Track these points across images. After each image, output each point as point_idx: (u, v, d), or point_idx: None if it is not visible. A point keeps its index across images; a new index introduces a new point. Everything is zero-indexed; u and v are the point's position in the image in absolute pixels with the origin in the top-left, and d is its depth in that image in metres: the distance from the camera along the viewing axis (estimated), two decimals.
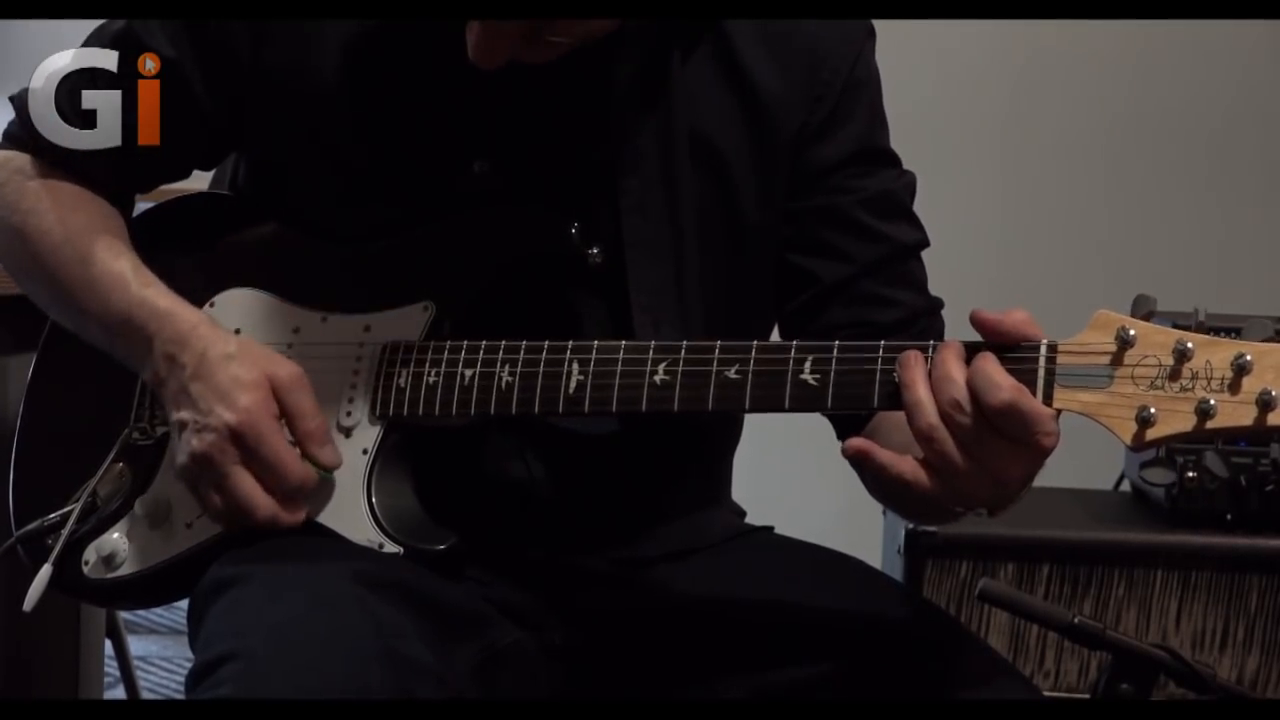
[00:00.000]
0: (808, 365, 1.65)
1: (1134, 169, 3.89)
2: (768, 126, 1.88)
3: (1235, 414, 1.52)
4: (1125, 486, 3.17)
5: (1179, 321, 2.63)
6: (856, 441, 1.62)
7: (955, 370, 1.58)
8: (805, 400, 1.65)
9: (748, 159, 1.88)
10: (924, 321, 1.90)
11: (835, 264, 1.89)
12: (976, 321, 1.60)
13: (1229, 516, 2.85)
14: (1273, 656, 2.82)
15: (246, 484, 1.75)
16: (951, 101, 3.89)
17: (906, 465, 1.60)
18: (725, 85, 1.88)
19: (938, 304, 1.94)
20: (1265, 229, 3.85)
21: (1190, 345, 1.54)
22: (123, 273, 1.86)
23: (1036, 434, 1.56)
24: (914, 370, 1.60)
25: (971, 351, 1.59)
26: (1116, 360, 1.56)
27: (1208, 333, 1.56)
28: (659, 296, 1.85)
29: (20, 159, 1.94)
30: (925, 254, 1.96)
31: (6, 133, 1.97)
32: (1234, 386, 1.53)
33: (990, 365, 1.57)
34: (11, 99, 1.95)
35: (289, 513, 1.77)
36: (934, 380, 1.58)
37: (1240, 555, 2.81)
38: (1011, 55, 3.86)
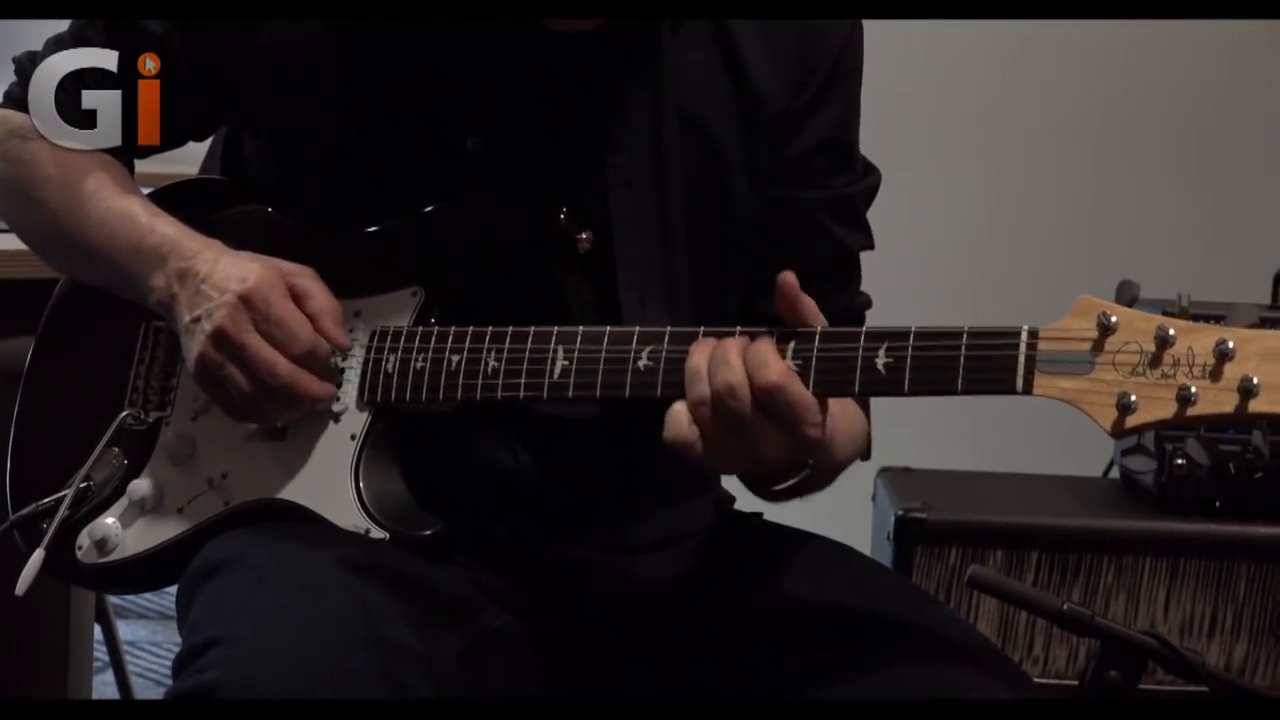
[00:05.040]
0: (790, 351, 1.65)
1: (1120, 157, 3.90)
2: (756, 108, 1.88)
3: (1217, 401, 1.51)
4: (1114, 474, 3.18)
5: (1165, 309, 2.64)
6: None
7: (734, 355, 1.62)
8: None
9: (738, 140, 1.88)
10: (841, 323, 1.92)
11: (779, 256, 1.89)
12: (781, 282, 1.65)
13: (1217, 504, 2.86)
14: (1260, 643, 2.83)
15: (264, 348, 1.76)
16: (939, 91, 3.89)
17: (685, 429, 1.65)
18: (717, 64, 1.88)
19: (861, 307, 1.99)
20: (1250, 217, 3.86)
21: (1172, 331, 1.53)
22: (129, 207, 1.88)
23: (802, 422, 1.61)
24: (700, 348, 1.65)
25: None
26: (1098, 346, 1.56)
27: (1191, 320, 1.55)
28: (646, 272, 1.86)
29: (19, 118, 1.94)
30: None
31: (6, 93, 1.98)
32: (1216, 373, 1.52)
33: (765, 346, 1.62)
34: (14, 60, 1.96)
35: (311, 376, 1.78)
36: (713, 362, 1.62)
37: (1228, 542, 2.82)
38: (999, 45, 3.86)
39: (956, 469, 3.23)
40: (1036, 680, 2.72)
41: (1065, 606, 1.88)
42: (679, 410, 1.64)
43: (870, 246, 1.98)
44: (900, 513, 2.84)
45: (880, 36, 2.00)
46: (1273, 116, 3.86)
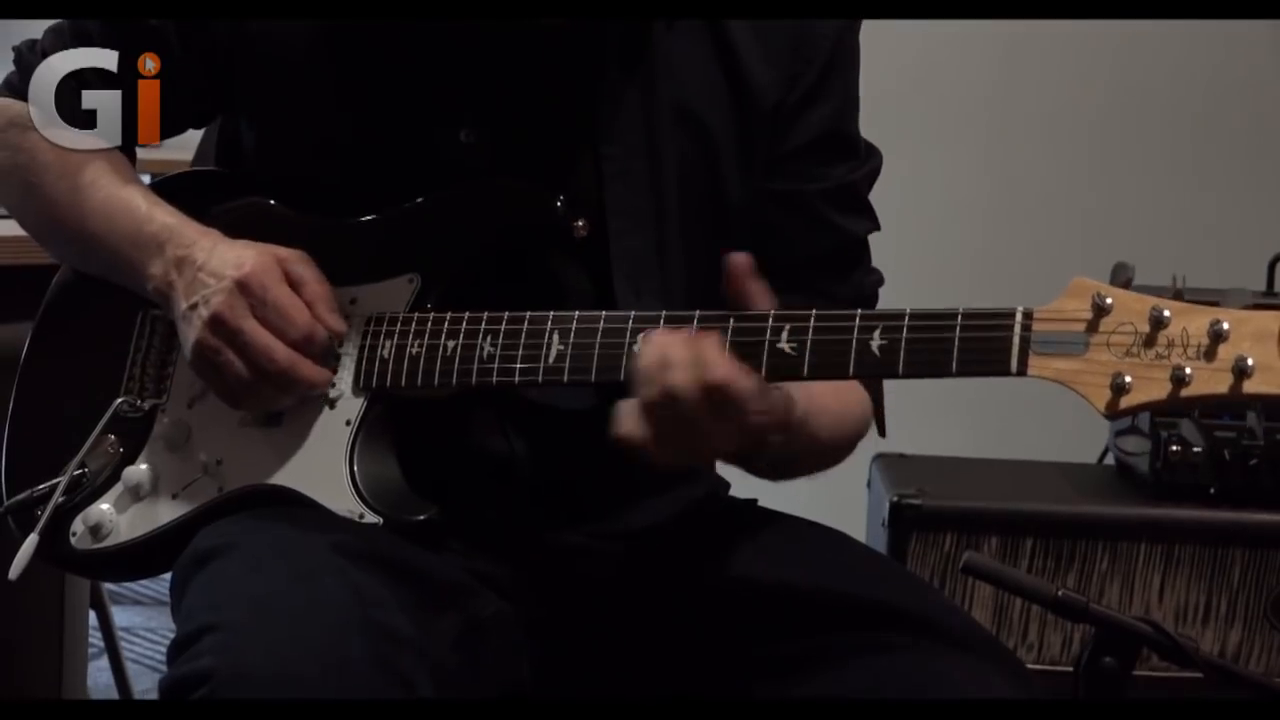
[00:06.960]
0: (785, 334, 1.65)
1: (1116, 145, 3.90)
2: (750, 101, 1.88)
3: (1211, 381, 1.51)
4: (1109, 460, 3.17)
5: (1159, 295, 2.64)
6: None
7: (679, 354, 1.61)
8: (782, 369, 1.66)
9: (731, 133, 1.89)
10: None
11: (784, 250, 1.90)
12: (731, 262, 1.66)
13: (1212, 490, 2.86)
14: (1255, 630, 2.83)
15: (261, 334, 1.77)
16: (935, 78, 3.88)
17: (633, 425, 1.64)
18: (711, 58, 1.88)
19: (872, 286, 1.98)
20: (1245, 204, 3.86)
21: (1167, 312, 1.52)
22: (129, 196, 1.88)
23: (745, 413, 1.61)
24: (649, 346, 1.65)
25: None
26: (1092, 327, 1.55)
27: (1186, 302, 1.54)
28: (641, 265, 1.86)
29: (18, 107, 1.95)
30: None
31: (5, 82, 1.99)
32: (1210, 354, 1.51)
33: (710, 342, 1.62)
34: (13, 49, 1.96)
35: (308, 362, 1.79)
36: (658, 364, 1.61)
37: (1223, 529, 2.82)
38: (994, 33, 3.86)
39: (951, 455, 3.24)
40: (1031, 667, 2.72)
41: (1060, 593, 1.88)
42: (627, 408, 1.64)
43: (876, 228, 1.98)
44: (895, 499, 2.84)
45: (875, 24, 1.99)
46: (1268, 103, 3.86)
